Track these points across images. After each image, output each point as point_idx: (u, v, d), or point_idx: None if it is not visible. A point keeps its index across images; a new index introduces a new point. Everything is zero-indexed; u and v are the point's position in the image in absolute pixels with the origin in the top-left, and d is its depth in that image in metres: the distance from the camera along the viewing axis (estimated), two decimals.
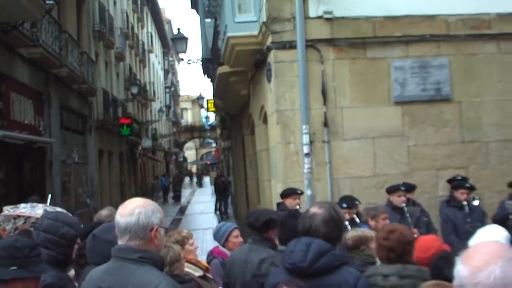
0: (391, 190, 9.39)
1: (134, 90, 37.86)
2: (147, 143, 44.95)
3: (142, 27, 50.09)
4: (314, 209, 3.90)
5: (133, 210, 3.48)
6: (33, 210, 6.00)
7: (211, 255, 6.79)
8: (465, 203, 9.30)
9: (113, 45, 32.53)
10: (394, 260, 4.62)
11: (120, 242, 3.49)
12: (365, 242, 5.72)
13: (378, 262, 4.96)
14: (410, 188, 9.79)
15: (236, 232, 6.89)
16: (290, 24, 11.08)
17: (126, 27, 38.97)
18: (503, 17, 11.61)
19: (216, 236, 6.89)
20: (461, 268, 2.35)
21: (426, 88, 11.39)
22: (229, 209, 32.14)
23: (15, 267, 3.92)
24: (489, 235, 4.80)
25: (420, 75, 11.38)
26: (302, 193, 9.62)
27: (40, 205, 6.39)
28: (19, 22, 14.19)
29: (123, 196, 31.23)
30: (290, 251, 3.79)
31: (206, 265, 6.06)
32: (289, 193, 9.50)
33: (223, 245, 6.77)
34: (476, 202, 9.52)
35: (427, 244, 5.33)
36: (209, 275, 5.95)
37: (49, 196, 9.42)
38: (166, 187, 47.50)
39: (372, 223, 7.50)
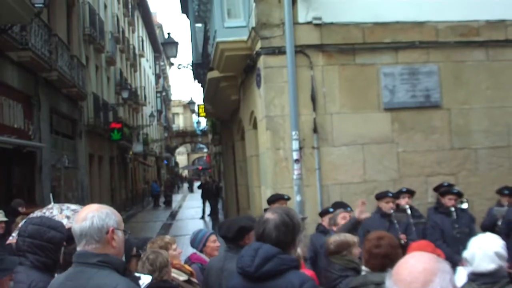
0: (379, 197, 9.46)
1: (125, 94, 37.83)
2: (138, 148, 44.88)
3: (133, 31, 50.01)
4: (268, 215, 3.97)
5: (87, 215, 3.48)
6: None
7: (189, 261, 6.82)
8: (452, 209, 9.31)
9: (103, 49, 32.50)
10: (388, 266, 4.60)
11: (78, 248, 3.49)
12: (347, 248, 5.74)
13: (363, 270, 4.93)
14: (411, 193, 9.90)
15: (213, 237, 6.93)
16: (280, 30, 11.06)
17: (117, 31, 38.95)
18: (492, 24, 11.64)
19: (194, 242, 6.90)
20: None
21: (415, 94, 11.40)
22: (219, 214, 32.17)
23: None
24: (488, 246, 4.77)
25: (409, 81, 11.39)
26: (289, 198, 9.61)
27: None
28: (8, 25, 14.14)
29: (113, 201, 31.20)
30: (241, 255, 3.90)
31: (191, 269, 6.08)
32: (275, 198, 9.51)
33: (201, 251, 6.80)
34: (464, 205, 9.52)
35: (419, 250, 5.33)
36: (194, 280, 5.97)
37: (50, 195, 9.41)
38: (158, 192, 47.28)
39: (334, 228, 7.60)
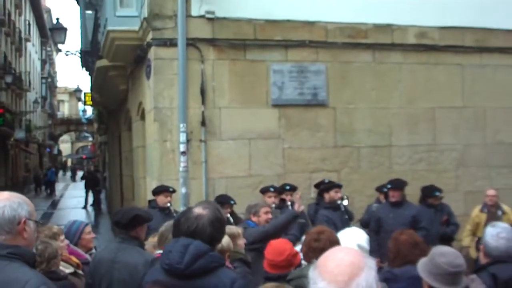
0: (263, 191, 9.65)
1: (9, 79, 36.72)
2: (20, 134, 43.52)
3: (20, 14, 48.49)
4: (199, 210, 3.84)
5: None
6: None
7: None
8: (339, 202, 9.57)
9: None
10: None
11: None
12: (232, 239, 5.79)
13: (302, 263, 4.99)
14: (294, 189, 10.09)
15: (88, 228, 6.78)
16: (172, 22, 11.01)
17: (2, 13, 37.59)
18: (379, 28, 12.02)
19: (68, 235, 6.51)
20: (324, 285, 2.35)
21: (303, 92, 11.61)
22: (102, 204, 31.73)
23: None
24: (351, 238, 4.97)
25: (298, 79, 11.58)
26: (174, 191, 9.62)
27: None
28: None
29: None
30: (168, 251, 3.75)
31: (77, 261, 5.93)
32: (160, 190, 9.52)
33: (75, 244, 6.53)
34: (345, 202, 9.80)
35: (280, 247, 5.46)
36: (80, 272, 5.83)
37: None
38: (53, 181, 45.50)
39: (254, 219, 7.68)
